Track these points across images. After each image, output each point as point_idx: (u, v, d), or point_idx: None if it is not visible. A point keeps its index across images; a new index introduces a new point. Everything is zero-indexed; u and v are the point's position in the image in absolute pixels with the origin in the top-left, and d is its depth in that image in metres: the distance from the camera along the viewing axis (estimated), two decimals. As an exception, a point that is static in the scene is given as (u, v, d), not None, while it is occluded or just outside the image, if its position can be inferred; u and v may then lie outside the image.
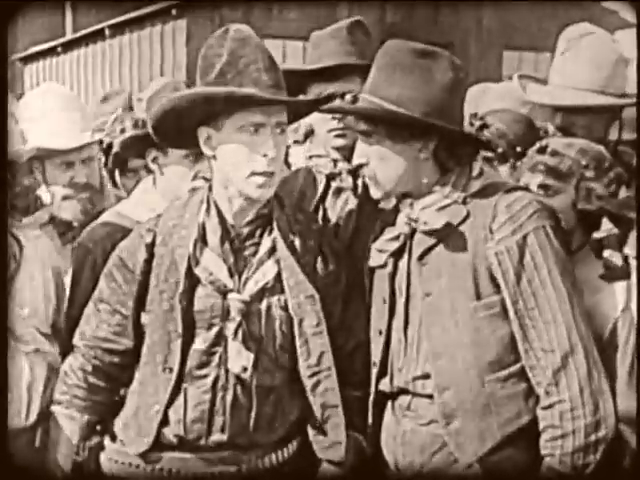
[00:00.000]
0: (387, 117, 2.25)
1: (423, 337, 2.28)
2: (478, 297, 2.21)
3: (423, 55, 2.27)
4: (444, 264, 2.25)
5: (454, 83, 2.28)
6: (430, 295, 2.26)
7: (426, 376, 2.27)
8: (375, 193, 2.35)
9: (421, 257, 2.29)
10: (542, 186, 2.46)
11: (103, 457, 2.46)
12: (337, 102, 2.60)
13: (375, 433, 2.41)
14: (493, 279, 2.21)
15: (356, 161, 2.34)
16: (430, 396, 2.27)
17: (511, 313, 2.19)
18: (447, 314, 2.23)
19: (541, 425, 2.18)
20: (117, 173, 3.18)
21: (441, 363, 2.24)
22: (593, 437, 2.13)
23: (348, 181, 2.75)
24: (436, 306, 2.25)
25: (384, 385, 2.37)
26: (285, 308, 2.34)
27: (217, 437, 2.33)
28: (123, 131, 3.02)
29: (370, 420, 2.40)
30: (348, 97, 2.39)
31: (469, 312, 2.21)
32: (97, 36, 15.19)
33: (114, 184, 3.44)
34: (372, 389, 2.39)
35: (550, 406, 2.16)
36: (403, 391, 2.34)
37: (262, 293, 2.34)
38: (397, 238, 2.34)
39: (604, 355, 2.23)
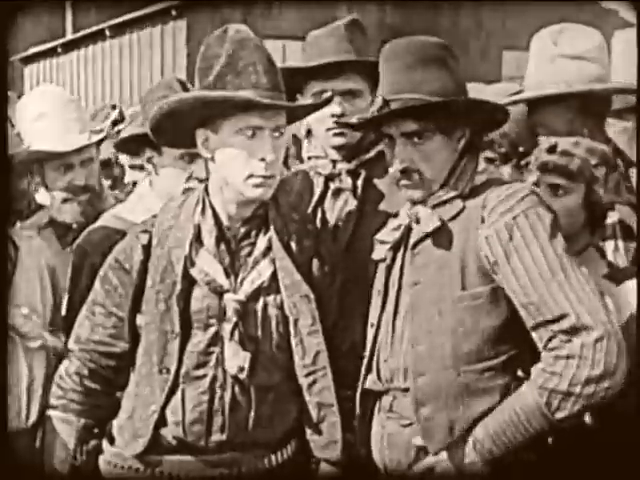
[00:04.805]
0: (447, 110, 2.26)
1: (407, 326, 2.27)
2: (463, 287, 2.20)
3: (443, 47, 2.32)
4: (434, 254, 2.25)
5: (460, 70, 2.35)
6: (418, 284, 2.26)
7: (407, 368, 2.26)
8: (417, 194, 2.31)
9: (414, 246, 2.29)
10: (552, 186, 2.45)
11: (102, 460, 2.45)
12: (356, 103, 2.65)
13: (366, 430, 2.40)
14: (481, 270, 2.20)
15: (400, 167, 2.28)
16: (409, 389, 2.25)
17: (510, 294, 2.17)
18: (431, 303, 2.23)
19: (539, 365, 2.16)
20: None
21: (420, 349, 2.23)
22: (578, 389, 2.08)
23: (347, 182, 2.74)
24: (422, 294, 2.25)
25: (371, 382, 2.36)
26: (281, 307, 2.34)
27: (216, 437, 2.32)
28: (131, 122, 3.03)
29: (357, 412, 2.38)
30: (379, 100, 2.35)
31: (453, 301, 2.20)
32: (97, 36, 15.19)
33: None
34: (360, 383, 2.38)
35: (551, 349, 2.13)
36: (386, 391, 2.33)
37: (258, 293, 2.34)
38: (398, 229, 2.34)
39: None
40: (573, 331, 2.09)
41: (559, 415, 2.10)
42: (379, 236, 2.40)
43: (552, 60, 2.96)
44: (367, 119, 2.40)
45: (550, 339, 2.13)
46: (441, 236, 2.25)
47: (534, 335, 2.16)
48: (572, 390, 2.08)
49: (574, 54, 2.95)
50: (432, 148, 2.28)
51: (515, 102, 3.07)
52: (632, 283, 2.36)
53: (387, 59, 2.33)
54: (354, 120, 2.49)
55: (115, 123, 3.72)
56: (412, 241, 2.30)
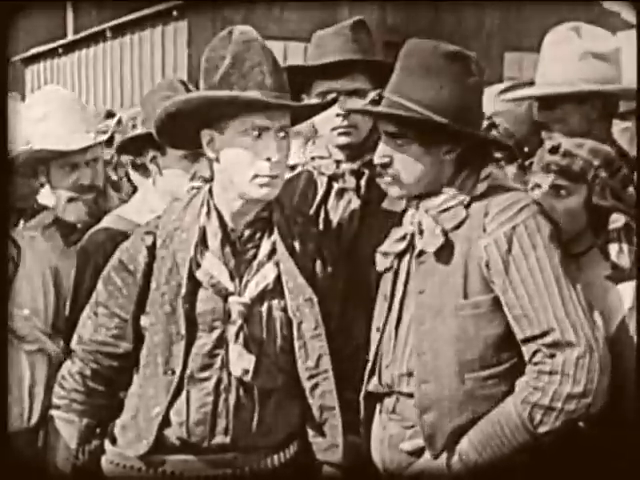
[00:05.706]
0: (424, 122, 2.23)
1: (411, 333, 2.28)
2: (465, 296, 2.21)
3: (454, 58, 2.26)
4: (439, 262, 2.25)
5: (480, 86, 2.30)
6: (423, 292, 2.27)
7: (410, 374, 2.27)
8: (395, 192, 2.33)
9: (419, 255, 2.29)
10: (555, 186, 2.45)
11: (104, 460, 2.46)
12: (359, 102, 2.62)
13: (369, 432, 2.40)
14: (483, 278, 2.20)
15: (378, 160, 2.30)
16: (413, 395, 2.26)
17: (504, 306, 2.18)
18: (435, 311, 2.23)
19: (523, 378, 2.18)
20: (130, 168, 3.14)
21: (425, 358, 2.24)
22: (559, 404, 2.10)
23: (351, 182, 2.74)
24: (426, 303, 2.25)
25: (372, 385, 2.37)
26: (285, 310, 2.35)
27: (220, 439, 2.33)
28: (134, 127, 3.02)
29: (362, 414, 2.38)
30: (372, 95, 2.36)
31: (455, 310, 2.21)
32: (98, 37, 15.20)
33: (128, 179, 3.41)
34: (364, 386, 2.38)
35: (535, 364, 2.15)
36: (389, 393, 2.33)
37: (263, 295, 2.34)
38: (403, 238, 2.34)
39: (611, 351, 2.22)
40: (557, 346, 2.12)
41: (542, 429, 2.12)
42: (382, 248, 2.40)
43: (581, 57, 2.92)
44: (353, 109, 2.44)
45: (535, 353, 2.15)
46: (446, 246, 2.24)
47: (524, 348, 2.18)
48: (554, 405, 2.11)
49: (602, 53, 2.93)
50: (409, 154, 2.27)
51: (529, 98, 3.05)
52: (626, 286, 2.36)
53: (400, 56, 2.32)
54: (345, 108, 2.53)
55: (113, 135, 3.68)
56: (417, 250, 2.30)
